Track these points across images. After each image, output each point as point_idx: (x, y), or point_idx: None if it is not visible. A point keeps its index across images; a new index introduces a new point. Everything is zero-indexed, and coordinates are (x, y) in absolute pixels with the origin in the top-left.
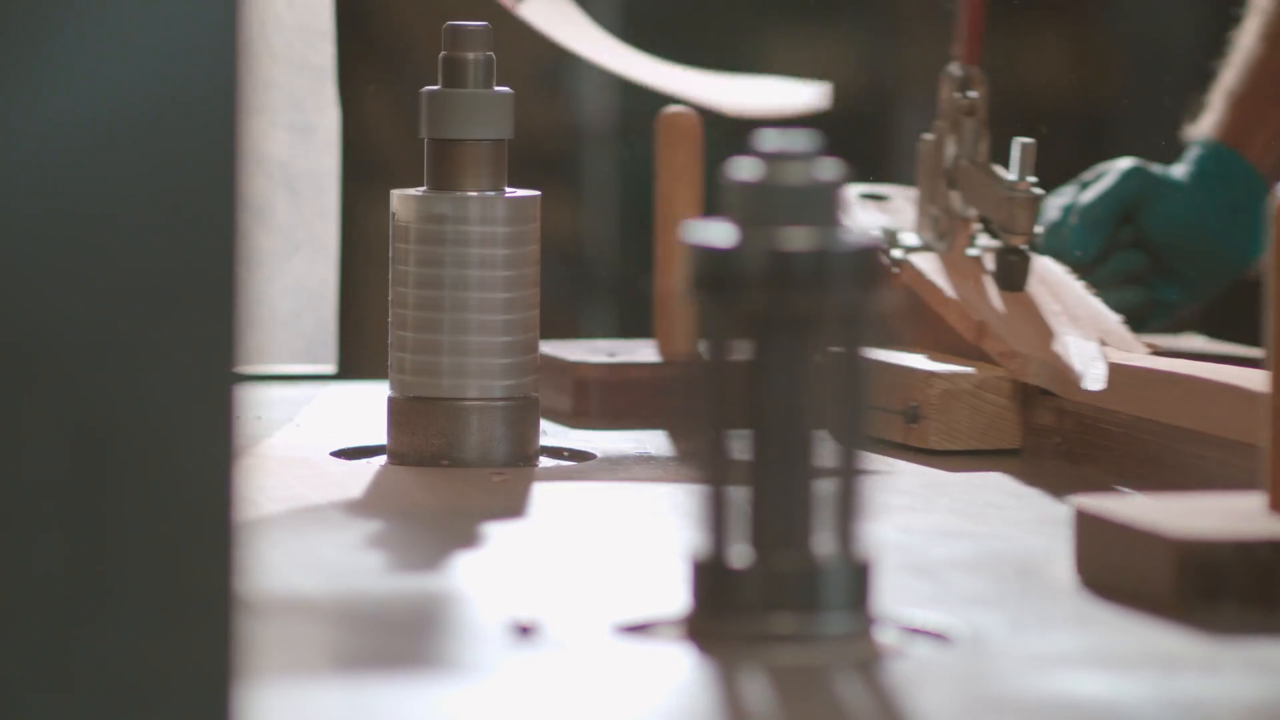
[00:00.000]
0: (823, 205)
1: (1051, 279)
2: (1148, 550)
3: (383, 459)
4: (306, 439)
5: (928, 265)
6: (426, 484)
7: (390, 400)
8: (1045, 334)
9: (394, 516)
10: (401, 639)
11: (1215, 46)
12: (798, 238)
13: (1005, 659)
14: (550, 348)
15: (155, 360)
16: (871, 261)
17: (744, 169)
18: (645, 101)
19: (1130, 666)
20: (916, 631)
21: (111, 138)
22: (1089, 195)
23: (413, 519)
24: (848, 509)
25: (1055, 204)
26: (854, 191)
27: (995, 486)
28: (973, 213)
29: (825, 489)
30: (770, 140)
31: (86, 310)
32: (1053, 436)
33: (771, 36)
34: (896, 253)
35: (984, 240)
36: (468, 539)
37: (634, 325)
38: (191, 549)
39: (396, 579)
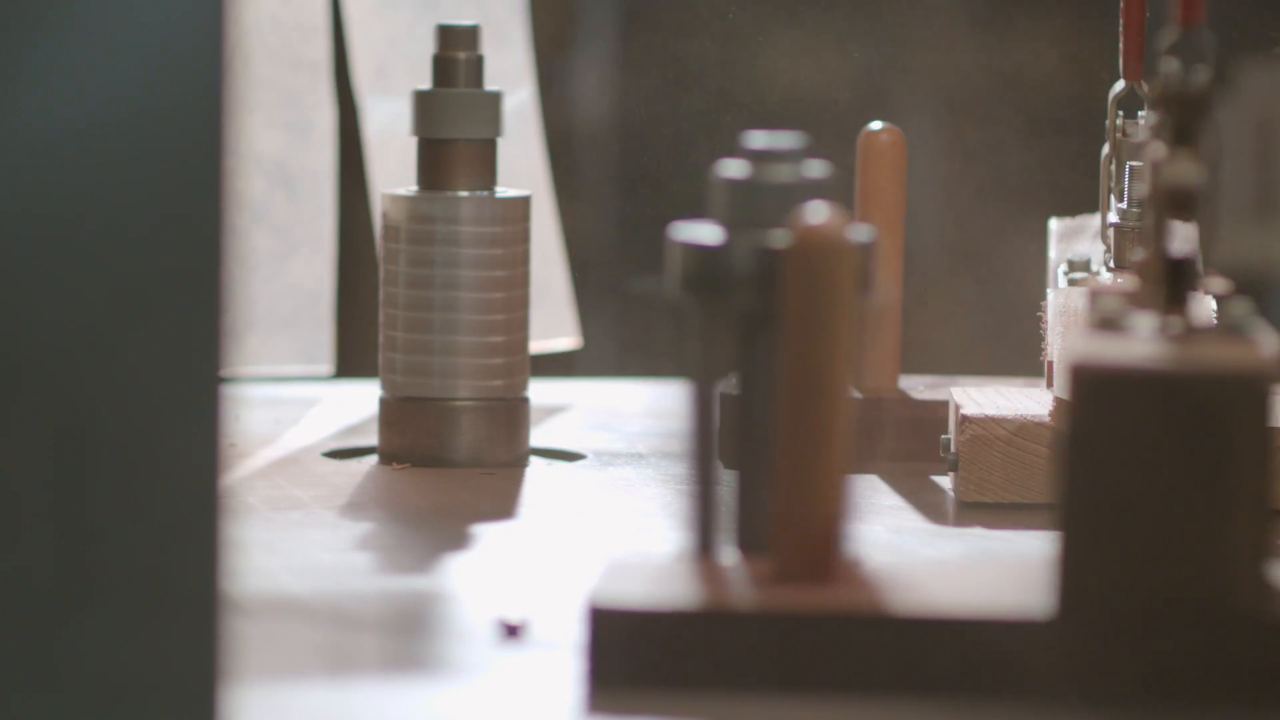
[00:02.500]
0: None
1: None
2: None
3: (373, 459)
4: (297, 439)
5: (1061, 300)
6: (416, 484)
7: (381, 400)
8: None
9: (383, 517)
10: (389, 639)
11: None
12: (786, 237)
13: None
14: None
15: (140, 360)
16: (862, 261)
17: (731, 168)
18: (646, 101)
19: None
20: None
21: (96, 138)
22: None
23: (402, 519)
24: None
25: None
26: (1094, 219)
27: None
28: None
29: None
30: (757, 139)
31: (70, 310)
32: None
33: (772, 35)
34: (1062, 282)
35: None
36: (457, 539)
37: (633, 326)
38: (177, 549)
39: (385, 579)
